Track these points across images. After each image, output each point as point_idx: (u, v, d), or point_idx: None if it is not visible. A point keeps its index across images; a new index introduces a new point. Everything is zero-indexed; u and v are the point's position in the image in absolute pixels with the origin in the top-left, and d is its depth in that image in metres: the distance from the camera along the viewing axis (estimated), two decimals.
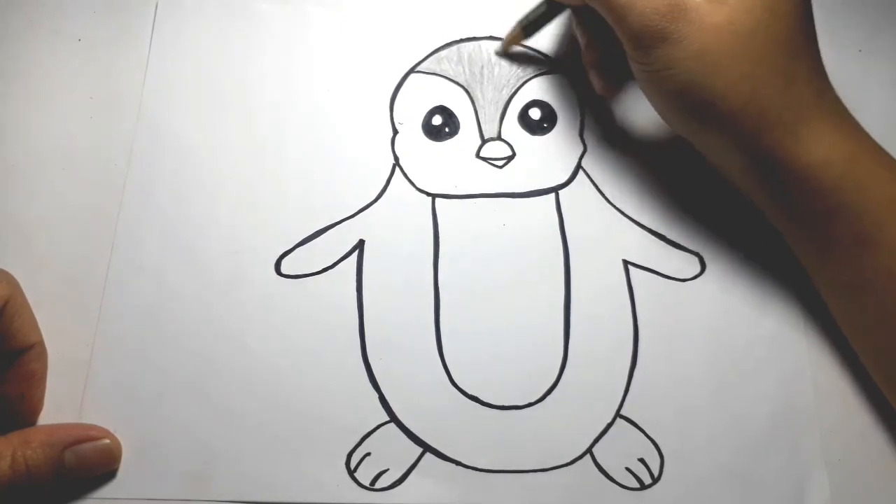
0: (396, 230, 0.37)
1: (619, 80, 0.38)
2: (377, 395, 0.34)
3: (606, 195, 0.38)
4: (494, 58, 0.40)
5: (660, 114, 0.35)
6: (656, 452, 0.34)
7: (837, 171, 0.32)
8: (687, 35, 0.31)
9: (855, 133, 0.33)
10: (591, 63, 0.38)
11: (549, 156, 0.39)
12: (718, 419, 0.34)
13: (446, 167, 0.38)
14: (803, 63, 0.32)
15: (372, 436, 0.34)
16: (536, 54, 0.41)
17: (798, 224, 0.34)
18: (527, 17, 0.39)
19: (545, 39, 0.41)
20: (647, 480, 0.34)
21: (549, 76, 0.40)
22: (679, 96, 0.33)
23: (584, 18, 0.37)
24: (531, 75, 0.40)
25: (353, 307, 0.36)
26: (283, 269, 0.36)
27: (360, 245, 0.37)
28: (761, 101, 0.32)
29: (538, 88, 0.40)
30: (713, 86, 0.32)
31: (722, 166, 0.35)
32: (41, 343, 0.33)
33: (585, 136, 0.39)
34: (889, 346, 0.33)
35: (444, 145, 0.39)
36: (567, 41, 0.41)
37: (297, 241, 0.37)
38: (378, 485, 0.33)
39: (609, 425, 0.34)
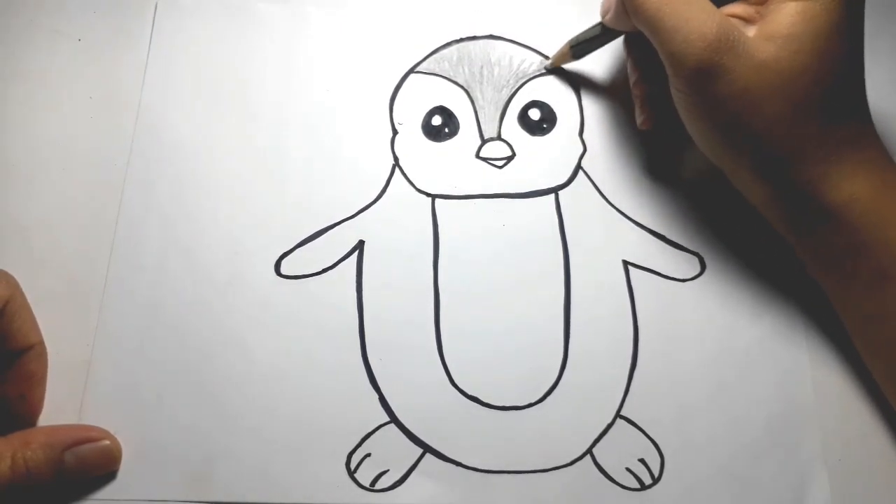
0: (396, 230, 0.37)
1: (664, 115, 0.37)
2: (377, 396, 0.34)
3: (606, 195, 0.38)
4: (494, 57, 0.40)
5: (693, 137, 0.35)
6: (656, 453, 0.34)
7: (862, 208, 0.32)
8: (732, 70, 0.31)
9: (886, 170, 0.32)
10: (639, 97, 0.37)
11: (549, 156, 0.39)
12: (719, 419, 0.34)
13: (446, 167, 0.38)
14: (844, 104, 0.32)
15: (372, 436, 0.34)
16: (537, 54, 0.41)
17: (822, 256, 0.34)
18: (578, 37, 0.38)
19: (546, 42, 0.41)
20: (648, 481, 0.34)
21: (549, 76, 0.40)
22: (714, 128, 0.33)
23: (637, 49, 0.37)
24: (531, 75, 0.40)
25: (353, 308, 0.36)
26: (283, 270, 0.36)
27: (360, 245, 0.37)
28: (795, 141, 0.32)
29: (538, 89, 0.40)
30: (750, 123, 0.31)
31: (747, 194, 0.35)
32: (41, 343, 0.33)
33: (585, 136, 0.39)
34: None
35: (444, 145, 0.39)
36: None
37: (296, 242, 0.37)
38: (378, 485, 0.33)
39: (609, 426, 0.34)
